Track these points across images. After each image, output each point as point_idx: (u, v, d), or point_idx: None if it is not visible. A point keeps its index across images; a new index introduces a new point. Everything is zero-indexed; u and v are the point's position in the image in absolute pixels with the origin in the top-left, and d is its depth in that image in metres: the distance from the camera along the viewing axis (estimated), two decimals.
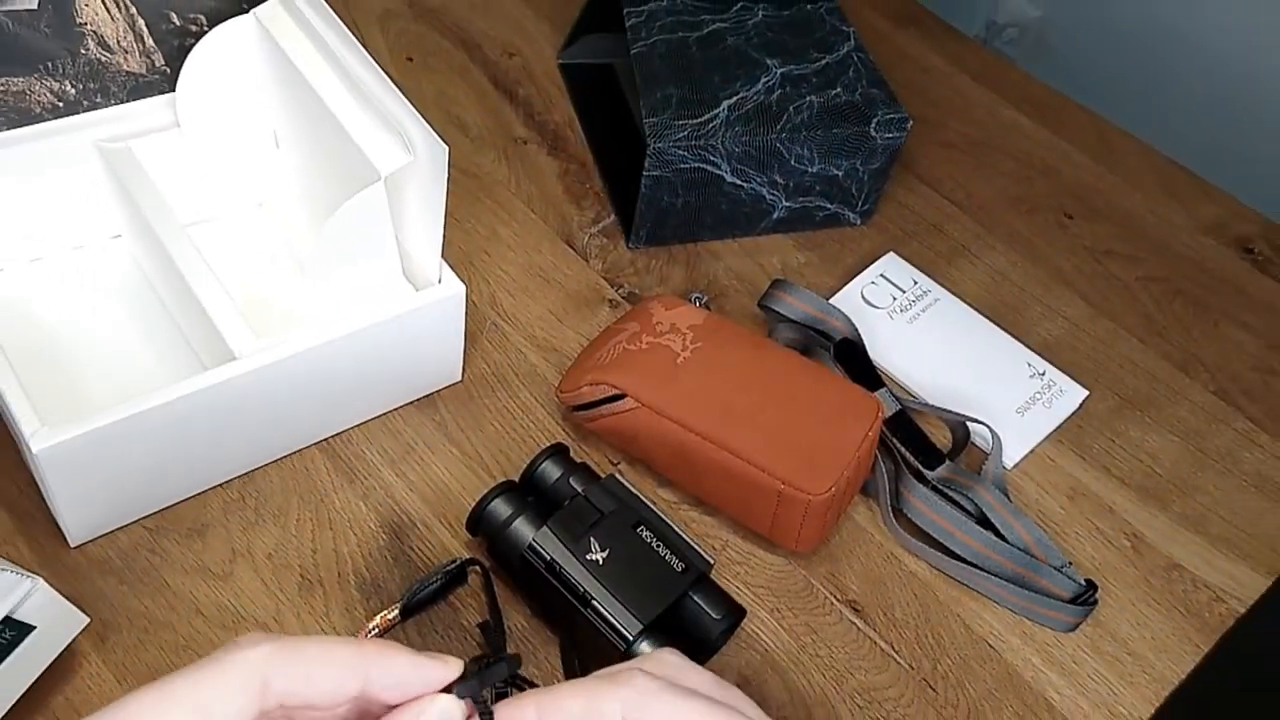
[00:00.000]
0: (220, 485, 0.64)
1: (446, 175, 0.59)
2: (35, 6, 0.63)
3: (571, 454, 0.64)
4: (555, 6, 0.97)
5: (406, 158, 0.59)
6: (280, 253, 0.73)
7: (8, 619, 0.54)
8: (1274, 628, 0.69)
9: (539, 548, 0.57)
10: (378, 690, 0.32)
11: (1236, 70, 1.23)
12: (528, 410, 0.70)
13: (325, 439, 0.66)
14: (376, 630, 0.58)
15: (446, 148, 0.58)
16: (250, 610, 0.59)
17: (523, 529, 0.58)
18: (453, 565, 0.60)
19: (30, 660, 0.53)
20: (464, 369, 0.71)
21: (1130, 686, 0.62)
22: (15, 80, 0.64)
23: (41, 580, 0.56)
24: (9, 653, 0.53)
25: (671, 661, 0.36)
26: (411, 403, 0.69)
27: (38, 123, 0.66)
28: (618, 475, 0.61)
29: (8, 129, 0.66)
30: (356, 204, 0.59)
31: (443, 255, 0.64)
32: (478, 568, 0.61)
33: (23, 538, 0.60)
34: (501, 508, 0.59)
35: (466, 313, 0.67)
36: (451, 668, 0.33)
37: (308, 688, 0.30)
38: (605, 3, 0.86)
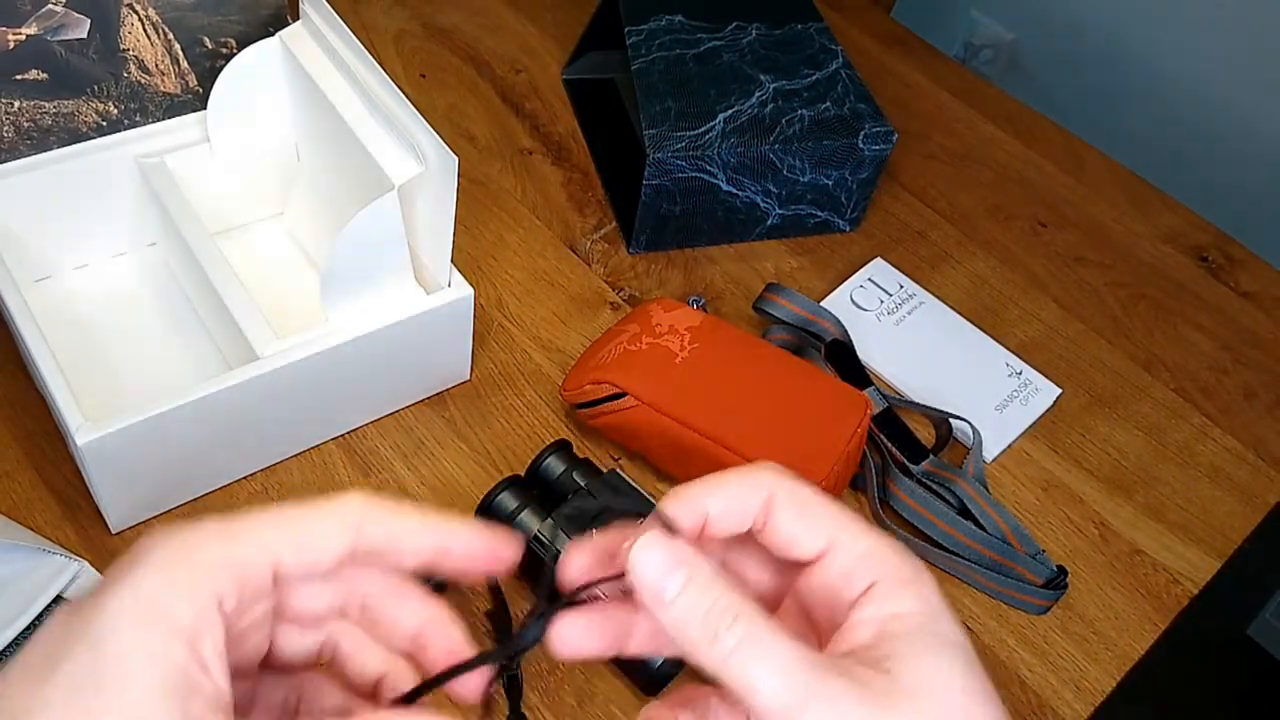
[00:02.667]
0: (245, 477, 0.64)
1: (456, 184, 0.59)
2: (85, 35, 0.63)
3: (574, 450, 0.64)
4: (560, 25, 0.97)
5: (418, 168, 0.60)
6: (300, 259, 0.73)
7: (59, 598, 0.55)
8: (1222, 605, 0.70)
9: (544, 538, 0.57)
10: (449, 553, 0.32)
11: (1194, 92, 1.24)
12: (533, 408, 0.70)
13: (342, 434, 0.67)
14: None
15: (456, 158, 0.58)
16: None
17: (528, 521, 0.58)
18: None
19: None
20: (472, 368, 0.71)
21: (1095, 663, 0.63)
22: (66, 102, 0.65)
23: (87, 564, 0.56)
24: None
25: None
26: (423, 400, 0.69)
27: (84, 140, 0.67)
28: (619, 470, 0.61)
29: (58, 147, 0.66)
30: (371, 212, 0.59)
31: (452, 260, 0.64)
32: None
33: (70, 524, 0.60)
34: (508, 501, 0.59)
35: (475, 315, 0.67)
36: (515, 549, 0.33)
37: (394, 539, 0.31)
38: (607, 22, 0.86)
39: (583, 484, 0.60)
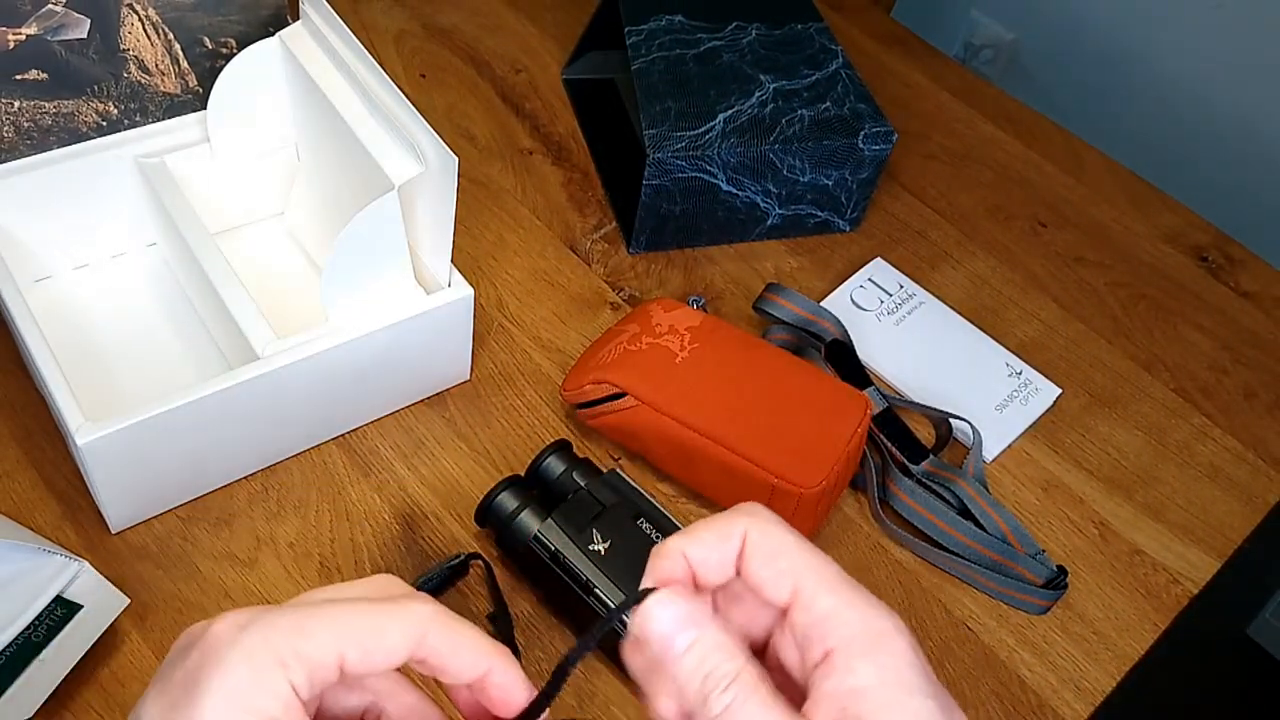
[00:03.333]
0: (245, 478, 0.64)
1: (456, 184, 0.59)
2: (85, 35, 0.63)
3: (574, 450, 0.64)
4: (560, 25, 0.97)
5: (418, 168, 0.60)
6: (300, 259, 0.73)
7: (59, 598, 0.55)
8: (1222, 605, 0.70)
9: (544, 539, 0.57)
10: (490, 682, 0.33)
11: (1194, 92, 1.24)
12: (533, 408, 0.70)
13: (342, 434, 0.67)
14: None
15: (456, 158, 0.58)
16: (274, 595, 0.59)
17: (528, 521, 0.58)
18: (455, 560, 0.60)
19: (79, 636, 0.54)
20: (472, 368, 0.71)
21: (1095, 663, 0.63)
22: (66, 102, 0.65)
23: (87, 564, 0.56)
24: (61, 628, 0.54)
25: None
26: (423, 400, 0.69)
27: (84, 140, 0.67)
28: (619, 470, 0.61)
29: (58, 147, 0.66)
30: (371, 212, 0.59)
31: (452, 260, 0.64)
32: (479, 561, 0.60)
33: (70, 524, 0.60)
34: (508, 500, 0.59)
35: (475, 315, 0.67)
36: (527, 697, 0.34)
37: (451, 655, 0.32)
38: (607, 22, 0.86)
39: (583, 484, 0.60)
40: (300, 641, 0.30)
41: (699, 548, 0.33)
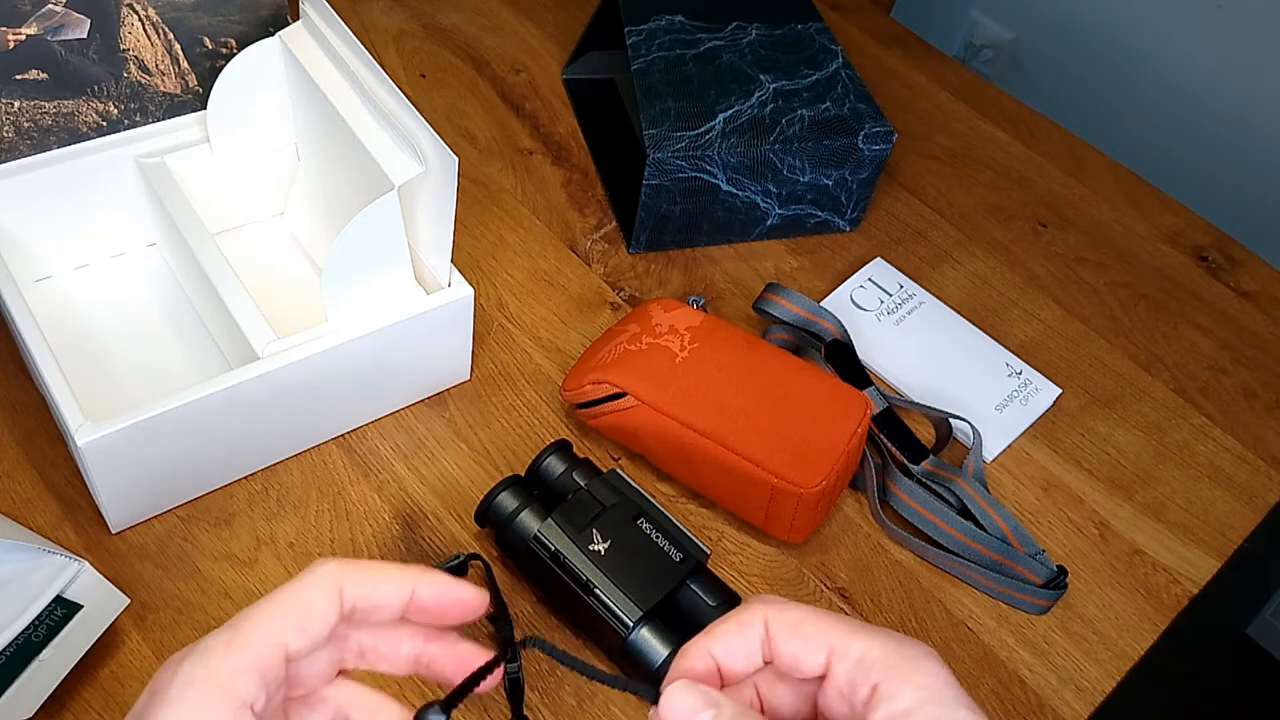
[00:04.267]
0: (245, 478, 0.64)
1: (456, 184, 0.59)
2: (85, 35, 0.63)
3: (574, 450, 0.64)
4: (560, 25, 0.97)
5: (418, 168, 0.60)
6: (300, 258, 0.73)
7: (59, 598, 0.55)
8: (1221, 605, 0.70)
9: (544, 539, 0.57)
10: (421, 598, 0.35)
11: (1194, 91, 1.24)
12: (533, 408, 0.70)
13: (342, 434, 0.67)
14: None
15: (456, 159, 0.58)
16: None
17: (528, 521, 0.58)
18: (455, 560, 0.60)
19: (79, 636, 0.54)
20: (472, 368, 0.71)
21: (1095, 663, 0.63)
22: (66, 102, 0.65)
23: (87, 564, 0.56)
24: (61, 628, 0.54)
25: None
26: (423, 400, 0.69)
27: (84, 140, 0.67)
28: (619, 470, 0.61)
29: (58, 147, 0.66)
30: (371, 212, 0.59)
31: (452, 260, 0.64)
32: (479, 561, 0.60)
33: (70, 524, 0.60)
34: (508, 501, 0.59)
35: (475, 315, 0.67)
36: (480, 597, 0.36)
37: (373, 591, 0.34)
38: (607, 22, 0.86)
39: (583, 484, 0.60)
40: (236, 656, 0.32)
41: (722, 643, 0.34)
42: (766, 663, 0.34)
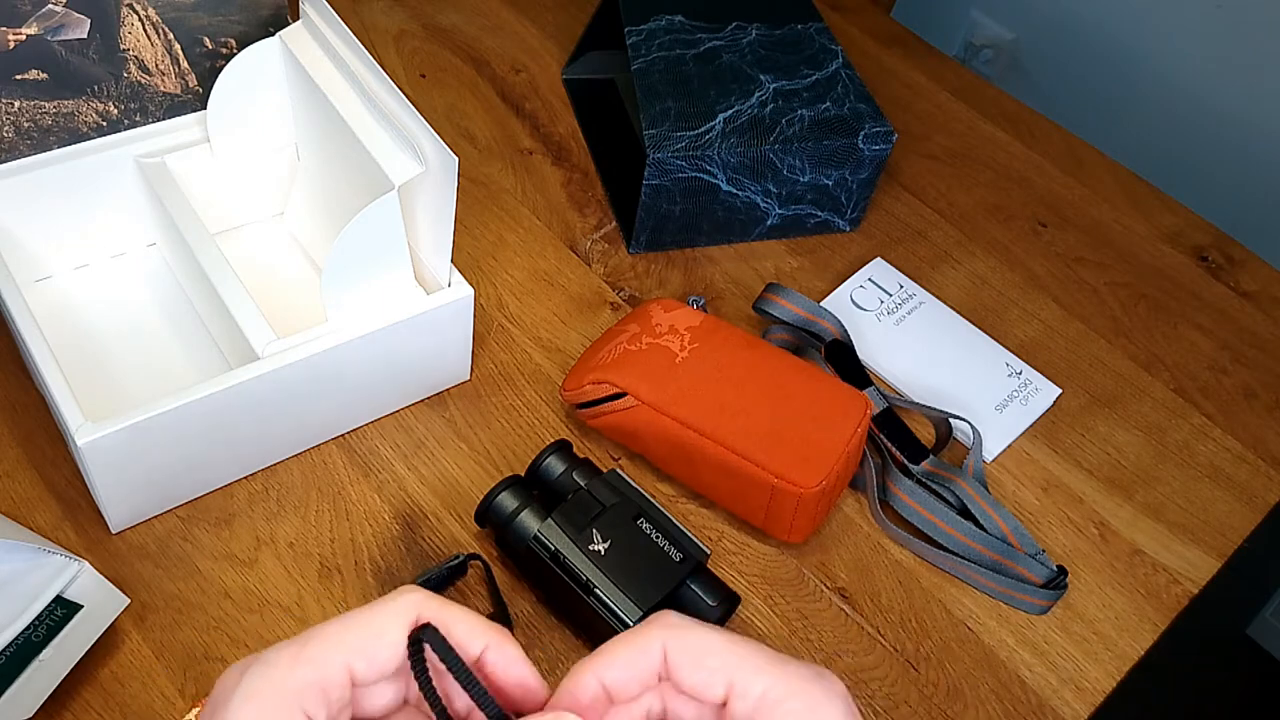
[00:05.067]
0: (245, 478, 0.64)
1: (456, 184, 0.59)
2: (85, 35, 0.63)
3: (574, 450, 0.64)
4: (560, 25, 0.97)
5: (418, 168, 0.60)
6: (300, 258, 0.73)
7: (59, 598, 0.55)
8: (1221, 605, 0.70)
9: (544, 538, 0.57)
10: (488, 662, 0.34)
11: (1194, 91, 1.24)
12: (533, 408, 0.70)
13: (342, 435, 0.67)
14: None
15: (456, 159, 0.58)
16: (274, 595, 0.59)
17: (528, 521, 0.58)
18: (455, 560, 0.60)
19: (79, 636, 0.54)
20: (472, 368, 0.71)
21: (1095, 663, 0.63)
22: (66, 102, 0.65)
23: (87, 564, 0.56)
24: (61, 628, 0.54)
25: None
26: (423, 400, 0.69)
27: (84, 140, 0.67)
28: (619, 470, 0.61)
29: (58, 147, 0.66)
30: (371, 212, 0.59)
31: (452, 260, 0.64)
32: (479, 561, 0.60)
33: (70, 524, 0.60)
34: (508, 501, 0.59)
35: (475, 315, 0.67)
36: (536, 681, 0.34)
37: (448, 628, 0.33)
38: (607, 22, 0.86)
39: (583, 484, 0.60)
40: (303, 670, 0.31)
41: (613, 670, 0.33)
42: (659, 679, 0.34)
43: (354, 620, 0.32)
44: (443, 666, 0.32)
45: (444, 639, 0.32)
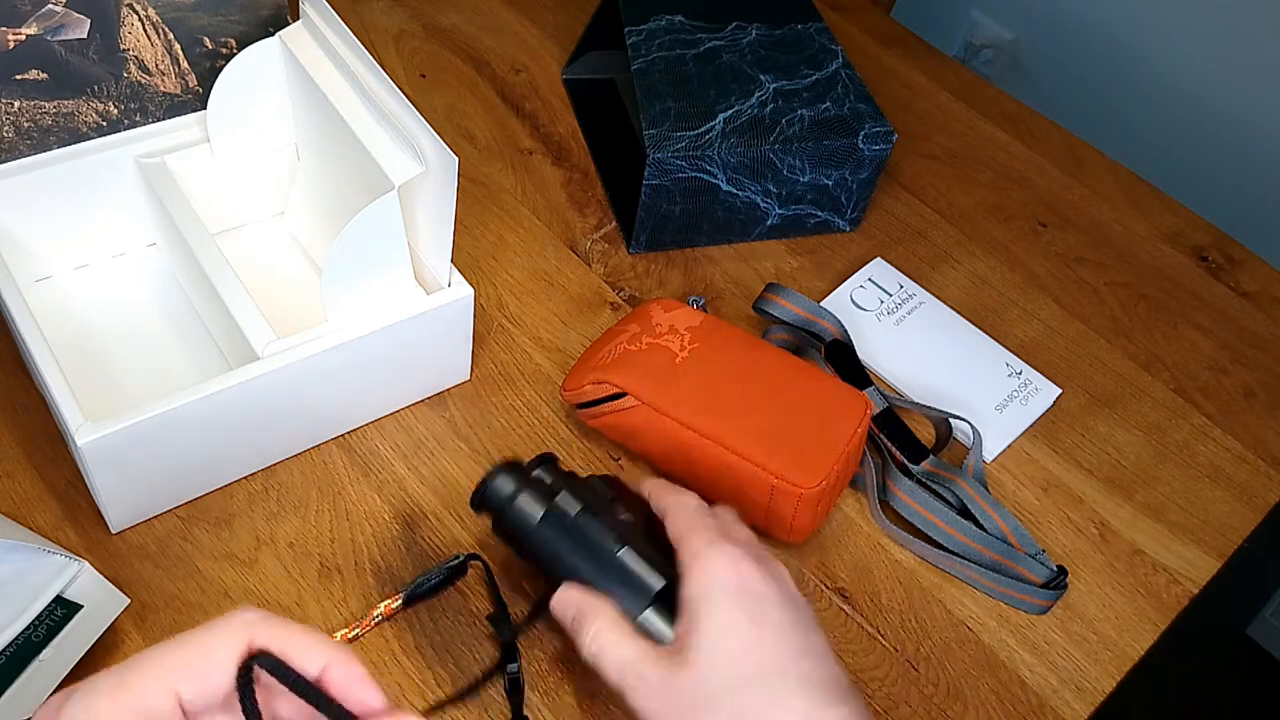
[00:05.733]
0: (245, 478, 0.64)
1: (456, 184, 0.59)
2: (85, 35, 0.63)
3: (572, 451, 0.63)
4: (559, 25, 0.97)
5: (418, 168, 0.60)
6: (300, 258, 0.73)
7: (59, 598, 0.55)
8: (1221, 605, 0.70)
9: (563, 507, 0.54)
10: (331, 680, 0.33)
11: (1194, 91, 1.24)
12: (533, 408, 0.70)
13: (342, 435, 0.67)
14: (380, 617, 0.58)
15: (456, 159, 0.58)
16: (273, 595, 0.59)
17: (534, 499, 0.55)
18: (454, 561, 0.59)
19: (79, 636, 0.54)
20: (472, 368, 0.71)
21: (1096, 663, 0.63)
22: (66, 102, 0.65)
23: (87, 564, 0.56)
24: (61, 629, 0.54)
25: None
26: (423, 400, 0.69)
27: (84, 140, 0.67)
28: (618, 477, 0.61)
29: (58, 147, 0.66)
30: (371, 212, 0.59)
31: (452, 260, 0.64)
32: (479, 561, 0.60)
33: (70, 524, 0.60)
34: (507, 483, 0.56)
35: (475, 315, 0.67)
36: (380, 701, 0.34)
37: (282, 654, 0.32)
38: (607, 22, 0.86)
39: (581, 483, 0.59)
40: (124, 697, 0.29)
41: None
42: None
43: (179, 643, 0.31)
44: (284, 687, 0.31)
45: (276, 658, 0.31)
